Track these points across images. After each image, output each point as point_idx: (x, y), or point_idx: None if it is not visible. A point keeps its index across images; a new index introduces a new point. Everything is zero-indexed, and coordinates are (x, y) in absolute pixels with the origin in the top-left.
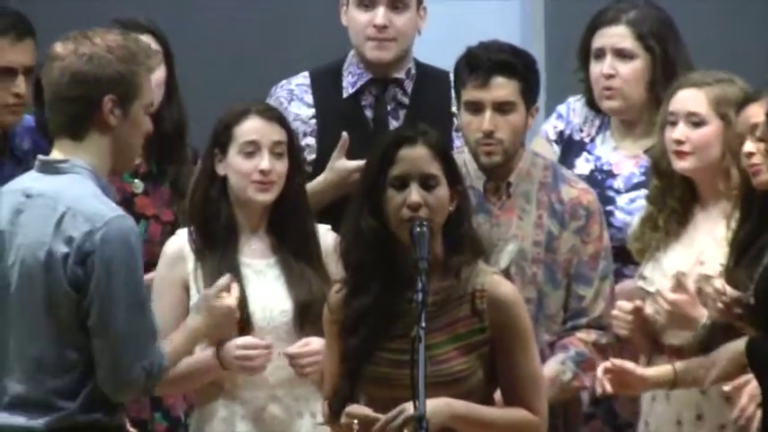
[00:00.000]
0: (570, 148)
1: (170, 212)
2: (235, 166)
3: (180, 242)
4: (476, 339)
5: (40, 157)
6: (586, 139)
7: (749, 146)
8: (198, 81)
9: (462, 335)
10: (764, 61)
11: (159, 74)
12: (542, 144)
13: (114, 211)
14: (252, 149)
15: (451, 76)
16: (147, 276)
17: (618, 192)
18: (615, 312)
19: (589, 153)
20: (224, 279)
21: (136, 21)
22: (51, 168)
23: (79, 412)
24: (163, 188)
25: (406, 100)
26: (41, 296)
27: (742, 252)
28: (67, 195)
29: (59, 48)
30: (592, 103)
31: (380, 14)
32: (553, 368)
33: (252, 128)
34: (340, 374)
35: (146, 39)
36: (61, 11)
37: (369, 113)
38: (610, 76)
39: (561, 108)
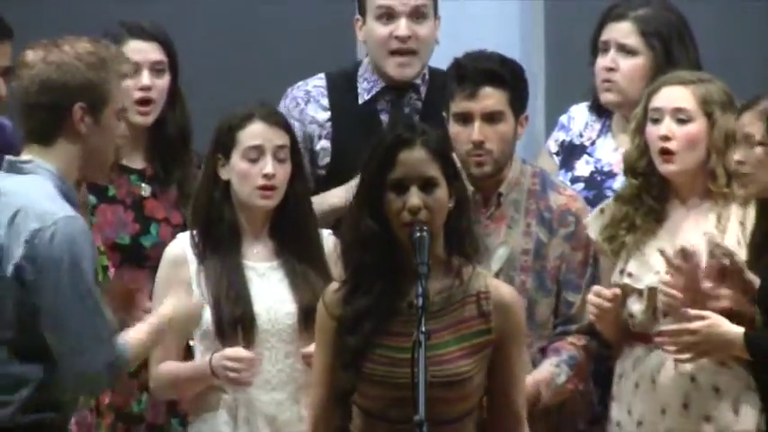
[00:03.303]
0: (571, 152)
1: (179, 215)
2: (238, 170)
3: (182, 245)
4: (481, 341)
5: (8, 157)
6: (587, 143)
7: (740, 154)
8: (201, 86)
9: (467, 335)
10: (765, 61)
11: (163, 80)
12: (545, 159)
13: (65, 212)
14: (255, 154)
15: None
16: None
17: (615, 192)
18: (591, 297)
19: (590, 156)
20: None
21: (140, 25)
22: (15, 168)
23: (20, 412)
24: (170, 191)
25: (420, 105)
26: None
27: (758, 254)
28: (23, 194)
29: (29, 55)
30: (594, 104)
31: (403, 25)
32: (548, 371)
33: (256, 132)
34: (340, 368)
35: (149, 45)
36: (66, 14)
37: (384, 118)
38: (610, 69)
39: (563, 118)
